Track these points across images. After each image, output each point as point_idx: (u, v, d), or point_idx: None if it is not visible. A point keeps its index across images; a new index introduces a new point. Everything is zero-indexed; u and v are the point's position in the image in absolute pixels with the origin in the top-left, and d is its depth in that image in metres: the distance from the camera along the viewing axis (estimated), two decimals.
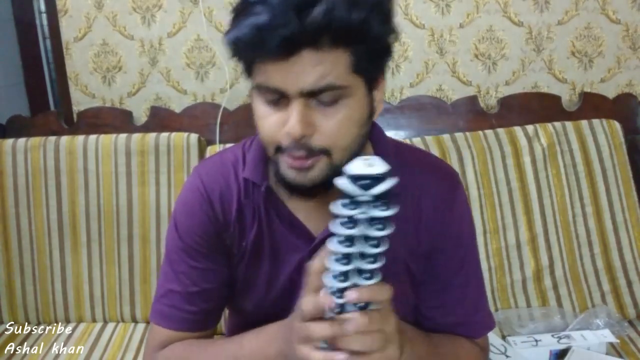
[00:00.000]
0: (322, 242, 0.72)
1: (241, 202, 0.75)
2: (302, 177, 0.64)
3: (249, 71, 0.65)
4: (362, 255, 0.53)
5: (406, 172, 0.75)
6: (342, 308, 0.55)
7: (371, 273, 0.54)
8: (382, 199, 0.51)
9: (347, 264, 0.53)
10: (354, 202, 0.51)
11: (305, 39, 0.57)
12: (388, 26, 0.62)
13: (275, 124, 0.63)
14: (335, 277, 0.54)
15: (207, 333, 0.81)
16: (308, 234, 0.74)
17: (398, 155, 0.76)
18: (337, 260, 0.53)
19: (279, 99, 0.62)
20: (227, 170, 0.77)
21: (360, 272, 0.54)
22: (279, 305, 0.76)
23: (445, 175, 0.79)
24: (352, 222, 0.52)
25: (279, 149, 0.64)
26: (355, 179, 0.50)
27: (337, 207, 0.52)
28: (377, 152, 0.75)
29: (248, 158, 0.76)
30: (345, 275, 0.54)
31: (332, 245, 0.53)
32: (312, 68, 0.59)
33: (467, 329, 0.81)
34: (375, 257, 0.53)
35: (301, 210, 0.74)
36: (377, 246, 0.52)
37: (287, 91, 0.60)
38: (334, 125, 0.62)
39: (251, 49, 0.59)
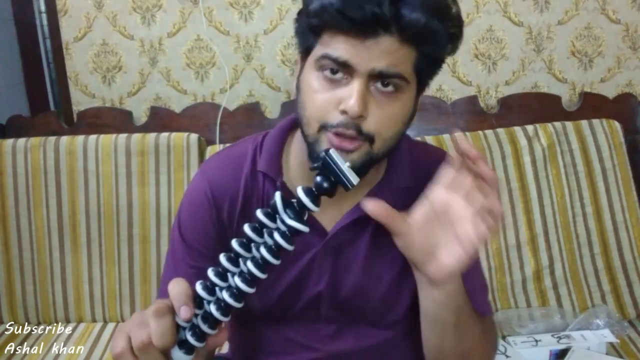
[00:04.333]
0: (335, 237, 0.73)
1: (247, 197, 0.75)
2: (344, 157, 0.63)
3: (311, 44, 0.65)
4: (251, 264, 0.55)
5: (418, 169, 0.76)
6: (200, 303, 0.55)
7: (238, 291, 0.55)
8: (292, 231, 0.54)
9: (235, 265, 0.55)
10: (272, 217, 0.54)
11: (388, 22, 0.59)
12: (455, 40, 0.67)
13: (328, 101, 0.63)
14: (213, 270, 0.55)
15: None
16: (321, 230, 0.74)
17: (410, 152, 0.77)
18: (225, 257, 0.55)
19: (340, 75, 0.63)
20: (234, 165, 0.76)
21: (240, 277, 0.55)
22: (287, 301, 0.76)
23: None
24: (257, 230, 0.55)
25: (323, 127, 0.64)
26: (289, 202, 0.54)
27: (258, 212, 0.55)
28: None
29: (263, 152, 0.76)
30: (221, 276, 0.55)
31: (232, 242, 0.55)
32: (388, 53, 0.61)
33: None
34: (250, 276, 0.54)
35: None
36: (259, 267, 0.54)
37: (357, 67, 0.61)
38: (385, 115, 0.63)
39: (337, 18, 0.60)
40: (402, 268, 0.76)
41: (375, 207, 0.61)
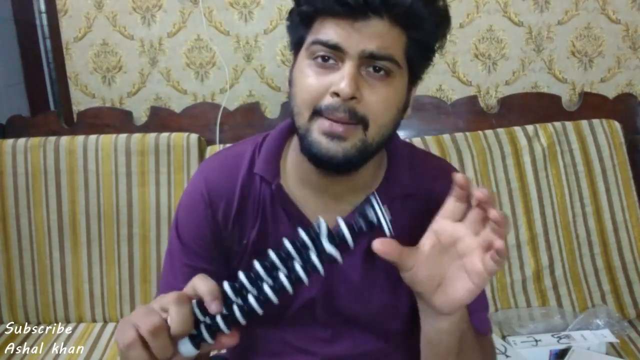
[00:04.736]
0: None
1: (243, 199, 0.74)
2: (336, 146, 0.63)
3: (302, 35, 0.66)
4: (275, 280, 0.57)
5: (418, 177, 0.75)
6: (230, 310, 0.57)
7: (263, 297, 0.56)
8: (328, 258, 0.55)
9: (268, 273, 0.56)
10: (312, 239, 0.56)
11: (377, 4, 0.60)
12: (442, 27, 0.67)
13: (319, 85, 0.63)
14: (244, 274, 0.57)
15: None
16: None
17: (411, 159, 0.76)
18: (260, 264, 0.57)
19: (332, 61, 0.63)
20: (232, 165, 0.76)
21: (270, 285, 0.57)
22: (283, 303, 0.76)
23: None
24: (297, 248, 0.56)
25: (315, 113, 0.64)
26: (333, 234, 0.56)
27: (300, 230, 0.57)
28: (390, 155, 0.76)
29: (262, 153, 0.75)
30: (251, 280, 0.57)
31: (269, 252, 0.57)
32: (378, 35, 0.62)
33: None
34: (279, 287, 0.56)
35: (310, 207, 0.73)
36: (290, 281, 0.56)
37: (348, 49, 0.62)
38: (378, 98, 0.64)
39: (328, 1, 0.61)
40: (399, 277, 0.76)
41: (385, 248, 0.59)
